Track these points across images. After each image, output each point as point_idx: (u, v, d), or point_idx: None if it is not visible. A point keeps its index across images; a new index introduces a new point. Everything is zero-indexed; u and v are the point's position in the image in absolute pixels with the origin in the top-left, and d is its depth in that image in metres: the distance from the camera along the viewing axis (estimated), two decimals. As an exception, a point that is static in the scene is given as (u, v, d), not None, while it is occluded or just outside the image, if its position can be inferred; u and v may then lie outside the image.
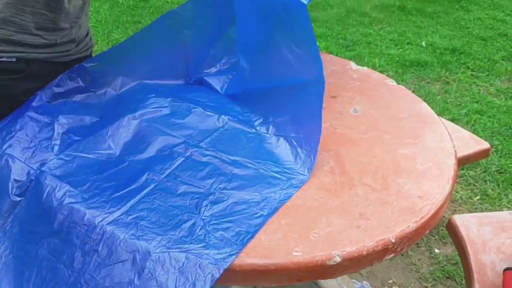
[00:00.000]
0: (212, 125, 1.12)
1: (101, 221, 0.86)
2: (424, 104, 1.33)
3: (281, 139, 1.09)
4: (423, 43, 3.52)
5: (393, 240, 0.87)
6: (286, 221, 0.90)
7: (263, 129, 1.12)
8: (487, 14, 4.06)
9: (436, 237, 1.94)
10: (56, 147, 1.02)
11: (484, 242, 1.35)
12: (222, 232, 0.85)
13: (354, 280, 1.70)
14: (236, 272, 0.81)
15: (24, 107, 1.09)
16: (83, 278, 0.80)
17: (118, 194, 0.93)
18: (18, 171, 0.96)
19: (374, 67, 3.14)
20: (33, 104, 1.10)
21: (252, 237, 0.85)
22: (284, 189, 0.96)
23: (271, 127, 1.13)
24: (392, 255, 0.88)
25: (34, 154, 1.00)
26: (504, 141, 2.47)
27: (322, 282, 1.31)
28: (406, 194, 0.98)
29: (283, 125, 1.12)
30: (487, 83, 3.07)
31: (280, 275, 0.82)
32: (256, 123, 1.14)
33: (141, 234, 0.84)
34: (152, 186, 0.95)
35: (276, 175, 1.00)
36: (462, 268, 1.36)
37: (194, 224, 0.87)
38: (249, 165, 1.01)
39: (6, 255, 0.89)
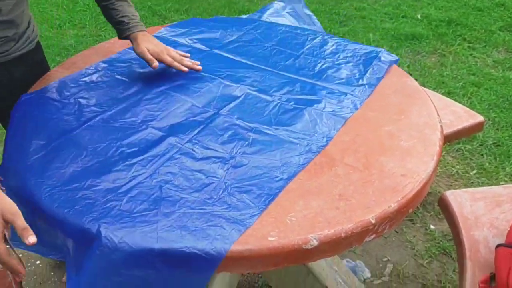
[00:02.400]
0: (231, 94, 1.19)
1: (126, 183, 0.90)
2: (410, 79, 1.28)
3: (301, 108, 1.14)
4: (419, 16, 3.44)
5: (373, 221, 0.83)
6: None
7: (283, 99, 1.17)
8: (485, -16, 3.96)
9: (432, 213, 1.91)
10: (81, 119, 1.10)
11: (476, 218, 1.31)
12: (244, 195, 0.88)
13: (347, 259, 1.67)
14: (210, 260, 0.78)
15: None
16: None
17: (141, 157, 0.97)
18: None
19: (368, 42, 3.07)
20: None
21: (273, 199, 0.87)
22: (303, 154, 0.99)
23: (291, 97, 1.18)
24: (373, 236, 0.85)
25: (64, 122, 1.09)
26: (501, 113, 2.42)
27: (310, 263, 1.28)
28: (388, 173, 0.94)
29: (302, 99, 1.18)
30: (484, 55, 3.00)
31: (255, 261, 0.79)
32: (275, 93, 1.20)
33: (166, 196, 0.88)
34: (174, 150, 1.00)
35: (295, 140, 1.03)
36: (456, 245, 1.33)
37: (216, 187, 0.90)
38: (268, 131, 1.06)
39: None
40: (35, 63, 1.28)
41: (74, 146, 1.01)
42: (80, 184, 0.90)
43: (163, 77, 1.26)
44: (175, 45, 1.40)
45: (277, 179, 0.92)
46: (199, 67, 1.27)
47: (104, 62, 1.34)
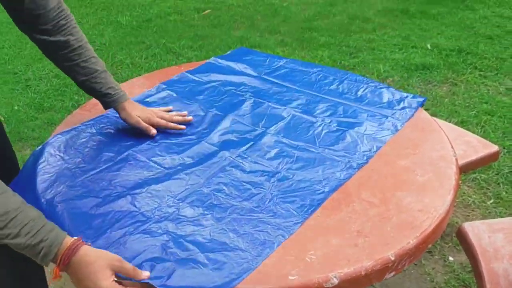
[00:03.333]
0: (278, 115, 1.30)
1: (182, 191, 1.02)
2: (424, 112, 1.30)
3: (343, 130, 1.23)
4: (428, 46, 3.48)
5: (393, 258, 0.84)
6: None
7: (326, 120, 1.27)
8: (493, 12, 4.01)
9: (450, 244, 1.89)
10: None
11: (496, 250, 1.30)
12: (288, 205, 0.97)
13: (366, 294, 1.66)
14: (231, 299, 0.79)
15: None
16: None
17: (197, 169, 1.09)
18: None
19: (379, 73, 3.11)
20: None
21: (315, 210, 0.96)
22: (343, 170, 1.08)
23: (334, 119, 1.27)
24: (392, 273, 0.85)
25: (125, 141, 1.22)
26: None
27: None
28: (406, 208, 0.95)
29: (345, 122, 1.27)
30: (496, 82, 3.01)
31: (277, 300, 0.80)
32: (319, 115, 1.30)
33: (218, 203, 0.99)
34: (226, 163, 1.11)
35: (336, 157, 1.12)
36: (475, 278, 1.31)
37: (263, 197, 1.00)
38: (312, 149, 1.16)
39: None
40: None
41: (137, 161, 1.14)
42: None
43: (214, 102, 1.39)
44: (227, 70, 1.57)
45: (319, 191, 1.01)
46: (190, 118, 1.28)
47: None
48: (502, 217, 1.95)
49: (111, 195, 1.01)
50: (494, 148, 1.69)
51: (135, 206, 0.98)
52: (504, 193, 2.09)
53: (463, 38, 3.59)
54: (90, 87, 1.20)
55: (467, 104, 2.77)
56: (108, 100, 1.21)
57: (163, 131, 1.24)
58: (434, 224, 0.91)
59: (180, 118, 1.27)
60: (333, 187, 1.02)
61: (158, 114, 1.25)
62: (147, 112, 1.24)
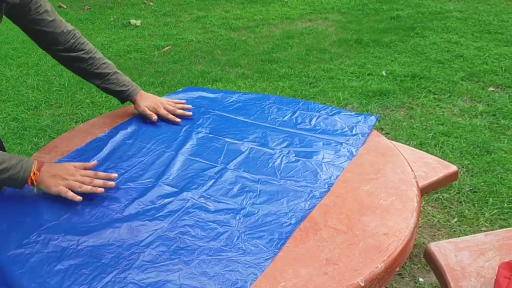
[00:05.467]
0: (236, 150, 1.31)
1: (147, 237, 0.99)
2: (382, 137, 1.34)
3: (302, 160, 1.24)
4: (383, 73, 3.61)
5: (363, 284, 0.84)
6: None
7: (284, 151, 1.28)
8: (441, 38, 4.21)
9: (419, 265, 1.91)
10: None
11: (463, 268, 1.33)
12: (257, 240, 0.97)
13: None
14: None
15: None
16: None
17: (159, 214, 1.06)
18: None
19: (338, 101, 3.19)
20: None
21: (284, 243, 0.95)
22: (307, 200, 1.08)
23: (291, 150, 1.29)
24: (363, 299, 0.85)
25: None
26: (473, 160, 2.50)
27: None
28: (371, 232, 0.96)
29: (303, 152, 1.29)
30: (450, 104, 3.14)
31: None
32: (277, 146, 1.31)
33: (185, 245, 0.96)
34: (189, 204, 1.09)
35: (299, 188, 1.13)
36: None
37: (231, 235, 0.98)
38: (274, 182, 1.16)
39: None
40: None
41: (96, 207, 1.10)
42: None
43: (169, 143, 1.37)
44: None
45: (286, 224, 1.01)
46: (189, 113, 1.48)
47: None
48: (466, 234, 1.99)
49: (68, 247, 0.96)
50: (453, 168, 1.75)
51: (96, 257, 0.93)
52: (466, 211, 2.15)
53: (415, 64, 3.74)
54: (105, 87, 1.46)
55: (424, 127, 2.86)
56: (123, 96, 1.48)
57: (122, 176, 1.21)
58: (400, 246, 0.92)
59: (181, 112, 1.49)
60: (300, 218, 1.02)
61: (165, 107, 1.48)
62: (156, 102, 1.48)
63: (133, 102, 1.49)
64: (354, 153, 1.25)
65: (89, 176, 1.13)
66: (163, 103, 1.49)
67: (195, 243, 0.96)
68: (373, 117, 1.42)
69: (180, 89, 1.76)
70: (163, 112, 1.46)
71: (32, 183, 1.09)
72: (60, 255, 0.94)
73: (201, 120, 1.47)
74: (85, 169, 1.17)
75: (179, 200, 1.10)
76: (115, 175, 1.17)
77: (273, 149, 1.29)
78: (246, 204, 1.08)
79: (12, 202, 1.11)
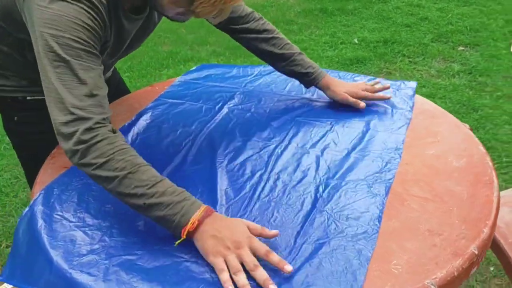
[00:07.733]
0: (289, 126, 1.21)
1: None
2: (426, 100, 1.29)
3: (361, 129, 1.17)
4: (356, 40, 3.58)
5: (476, 252, 0.79)
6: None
7: (340, 123, 1.20)
8: (403, 2, 4.24)
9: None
10: None
11: (507, 224, 1.32)
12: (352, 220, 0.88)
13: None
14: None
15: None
16: None
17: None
18: None
19: (318, 72, 3.13)
20: None
21: (381, 217, 0.89)
22: (384, 171, 1.00)
23: (346, 121, 1.21)
24: (475, 268, 0.80)
25: None
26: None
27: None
28: (459, 197, 0.91)
29: None
30: (426, 66, 3.17)
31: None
32: (328, 119, 1.23)
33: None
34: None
35: (371, 159, 1.04)
36: None
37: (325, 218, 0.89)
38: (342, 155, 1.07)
39: None
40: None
41: None
42: None
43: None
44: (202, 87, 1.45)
45: (374, 197, 0.93)
46: (389, 96, 1.29)
47: None
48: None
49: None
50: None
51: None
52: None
53: (384, 29, 3.75)
54: (290, 70, 1.30)
55: (408, 90, 2.87)
56: (308, 79, 1.29)
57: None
58: (495, 208, 0.88)
59: (380, 86, 1.30)
60: (386, 190, 0.94)
61: (362, 87, 1.29)
62: (352, 87, 1.28)
63: (325, 88, 1.29)
64: (409, 117, 1.18)
65: (259, 255, 0.77)
66: (358, 85, 1.30)
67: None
68: (412, 82, 1.36)
69: (193, 68, 1.62)
70: (364, 94, 1.27)
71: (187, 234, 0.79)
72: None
73: (236, 99, 1.35)
74: (260, 236, 0.80)
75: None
76: (290, 268, 0.75)
77: (324, 123, 1.20)
78: (323, 180, 0.98)
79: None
